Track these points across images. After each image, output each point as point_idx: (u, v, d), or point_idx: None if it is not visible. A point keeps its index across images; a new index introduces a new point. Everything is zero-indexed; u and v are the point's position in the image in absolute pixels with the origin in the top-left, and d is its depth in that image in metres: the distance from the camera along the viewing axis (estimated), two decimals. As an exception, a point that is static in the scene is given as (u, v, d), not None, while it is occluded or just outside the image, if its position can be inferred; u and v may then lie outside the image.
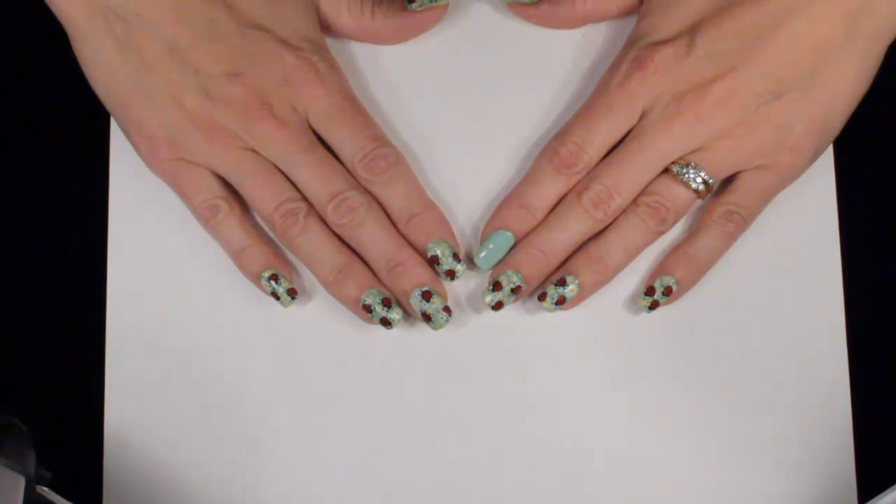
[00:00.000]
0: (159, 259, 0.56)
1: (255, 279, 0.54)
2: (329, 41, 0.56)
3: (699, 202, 0.55)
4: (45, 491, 0.49)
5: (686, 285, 0.55)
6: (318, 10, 0.56)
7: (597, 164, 0.54)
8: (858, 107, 0.54)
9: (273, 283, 0.54)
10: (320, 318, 0.55)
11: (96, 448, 0.55)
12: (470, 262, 0.56)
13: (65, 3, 0.52)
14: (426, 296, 0.53)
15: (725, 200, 0.54)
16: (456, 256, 0.54)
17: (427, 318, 0.53)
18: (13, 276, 0.56)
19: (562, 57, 0.57)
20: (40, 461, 0.50)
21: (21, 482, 0.47)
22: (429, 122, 0.57)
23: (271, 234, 0.55)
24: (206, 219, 0.54)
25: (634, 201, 0.54)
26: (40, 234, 0.57)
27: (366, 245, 0.54)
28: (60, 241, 0.56)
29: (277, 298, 0.54)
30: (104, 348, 0.55)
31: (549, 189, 0.54)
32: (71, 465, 0.54)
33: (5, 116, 0.58)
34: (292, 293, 0.54)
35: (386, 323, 0.54)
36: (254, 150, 0.53)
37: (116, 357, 0.55)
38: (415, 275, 0.54)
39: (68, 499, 0.49)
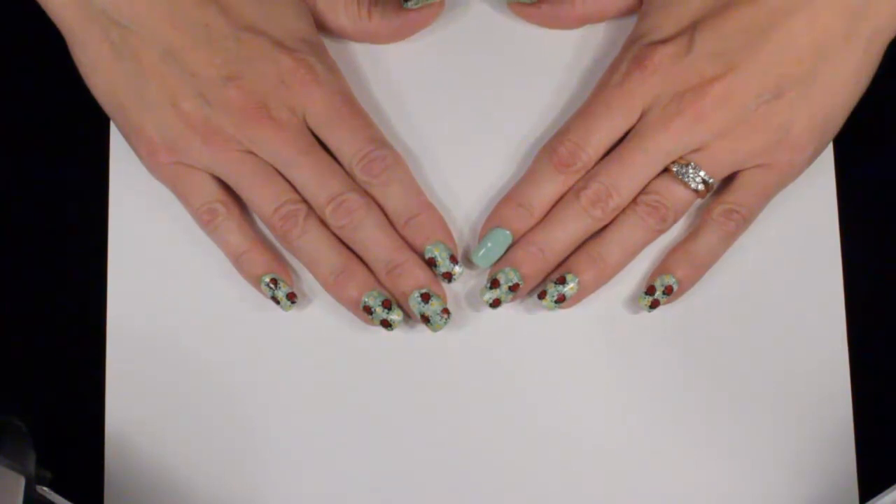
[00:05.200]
0: (159, 260, 0.56)
1: (255, 283, 0.54)
2: (327, 42, 0.56)
3: (699, 201, 0.55)
4: (45, 491, 0.49)
5: (686, 284, 0.55)
6: (314, 10, 0.56)
7: (596, 164, 0.54)
8: (858, 106, 0.54)
9: (273, 287, 0.54)
10: (320, 319, 0.55)
11: (96, 448, 0.55)
12: (469, 262, 0.56)
13: (61, 9, 0.53)
14: (425, 298, 0.53)
15: (725, 199, 0.54)
16: (453, 259, 0.54)
17: (426, 320, 0.53)
18: (13, 276, 0.56)
19: (561, 57, 0.57)
20: (40, 461, 0.50)
21: (21, 482, 0.47)
22: (428, 122, 0.57)
23: (271, 237, 0.55)
24: (205, 222, 0.54)
25: (634, 200, 0.54)
26: (40, 235, 0.57)
27: (365, 246, 0.54)
28: (60, 242, 0.57)
29: (277, 303, 0.54)
30: (104, 348, 0.55)
31: (548, 188, 0.54)
32: (71, 465, 0.54)
33: (6, 117, 0.58)
34: (292, 297, 0.54)
35: (386, 325, 0.54)
36: (252, 153, 0.53)
37: (116, 357, 0.55)
38: (414, 276, 0.54)
39: (68, 499, 0.49)
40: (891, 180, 0.57)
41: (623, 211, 0.54)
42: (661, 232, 0.54)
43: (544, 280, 0.55)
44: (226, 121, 0.53)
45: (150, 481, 0.54)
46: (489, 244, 0.54)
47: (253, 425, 0.55)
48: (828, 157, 0.56)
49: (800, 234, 0.56)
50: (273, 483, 0.55)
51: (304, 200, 0.54)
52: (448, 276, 0.54)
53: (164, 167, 0.54)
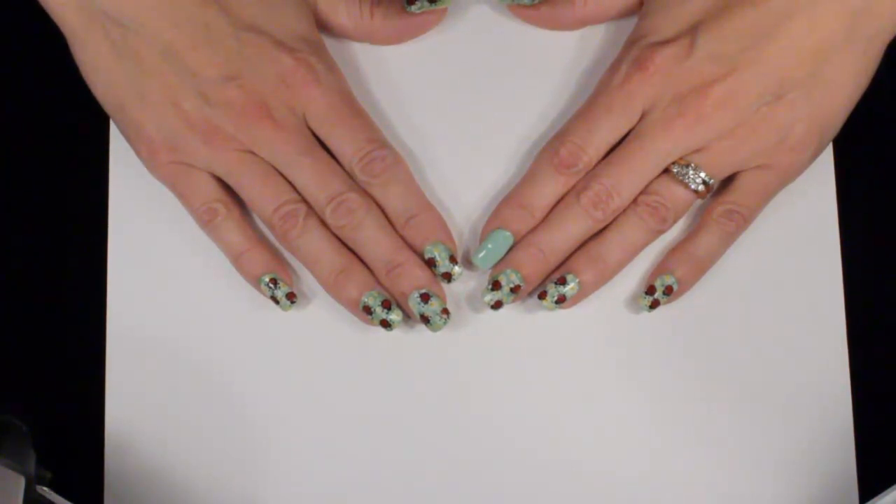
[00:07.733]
0: (159, 259, 0.56)
1: (255, 283, 0.54)
2: (328, 41, 0.56)
3: (699, 202, 0.55)
4: (45, 491, 0.49)
5: (687, 284, 0.55)
6: (315, 9, 0.56)
7: (597, 165, 0.54)
8: (858, 107, 0.54)
9: (272, 287, 0.54)
10: (320, 320, 0.55)
11: (96, 448, 0.55)
12: (469, 263, 0.56)
13: (61, 9, 0.53)
14: (424, 298, 0.53)
15: (726, 199, 0.54)
16: (453, 259, 0.54)
17: (425, 320, 0.53)
18: (13, 277, 0.56)
19: (561, 57, 0.57)
20: (40, 461, 0.50)
21: (21, 482, 0.47)
22: (428, 122, 0.57)
23: (271, 237, 0.55)
24: (205, 222, 0.54)
25: (634, 201, 0.54)
26: (40, 235, 0.57)
27: (365, 246, 0.54)
28: (60, 242, 0.57)
29: (277, 302, 0.54)
30: (104, 348, 0.55)
31: (549, 189, 0.54)
32: (71, 465, 0.54)
33: (6, 117, 0.58)
34: (291, 297, 0.54)
35: (386, 325, 0.54)
36: (252, 153, 0.53)
37: (116, 357, 0.55)
38: (413, 276, 0.54)
39: (68, 499, 0.49)
40: (891, 180, 0.57)
41: (623, 211, 0.54)
42: (662, 232, 0.54)
43: (545, 280, 0.55)
44: (226, 120, 0.53)
45: (150, 481, 0.54)
46: (490, 245, 0.54)
47: (253, 425, 0.55)
48: (828, 157, 0.57)
49: (800, 234, 0.56)
50: (273, 483, 0.55)
51: (304, 200, 0.54)
52: (447, 277, 0.54)
53: (165, 167, 0.54)
